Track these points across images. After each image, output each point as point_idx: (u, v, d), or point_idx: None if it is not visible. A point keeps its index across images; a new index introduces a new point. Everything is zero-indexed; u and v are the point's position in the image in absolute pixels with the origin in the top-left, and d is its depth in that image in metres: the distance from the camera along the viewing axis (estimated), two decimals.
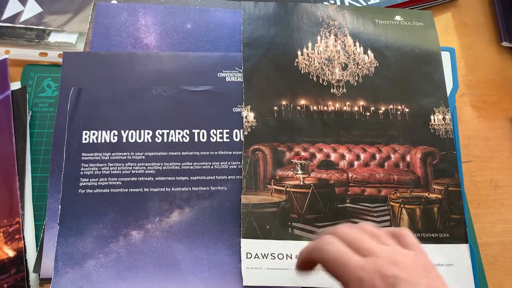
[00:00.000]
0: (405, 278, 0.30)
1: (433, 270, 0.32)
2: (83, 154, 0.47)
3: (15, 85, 0.53)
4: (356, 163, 0.50)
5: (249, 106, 0.51)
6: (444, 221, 0.47)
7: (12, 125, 0.49)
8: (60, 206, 0.45)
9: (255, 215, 0.46)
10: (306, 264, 0.36)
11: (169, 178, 0.47)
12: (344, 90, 0.52)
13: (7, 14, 0.56)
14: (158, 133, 0.49)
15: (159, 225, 0.46)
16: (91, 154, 0.47)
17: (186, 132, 0.49)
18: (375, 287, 0.30)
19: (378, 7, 0.59)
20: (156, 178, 0.47)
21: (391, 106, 0.52)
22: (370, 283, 0.30)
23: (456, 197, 0.48)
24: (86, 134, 0.48)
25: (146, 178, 0.47)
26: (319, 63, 0.53)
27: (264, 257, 0.44)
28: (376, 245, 0.33)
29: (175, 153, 0.48)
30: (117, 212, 0.46)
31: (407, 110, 0.52)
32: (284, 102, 0.51)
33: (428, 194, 0.48)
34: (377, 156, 0.50)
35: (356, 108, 0.52)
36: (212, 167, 0.48)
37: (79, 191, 0.46)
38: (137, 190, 0.47)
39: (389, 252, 0.32)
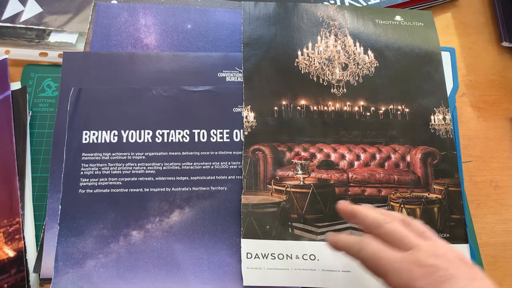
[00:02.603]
0: (445, 267, 0.32)
1: (473, 265, 0.33)
2: (83, 154, 0.47)
3: (15, 85, 0.53)
4: (356, 163, 0.50)
5: (249, 106, 0.51)
6: (444, 221, 0.47)
7: (12, 125, 0.49)
8: (60, 206, 0.45)
9: (255, 215, 0.46)
10: (339, 249, 0.38)
11: (169, 178, 0.47)
12: (344, 90, 0.52)
13: (7, 14, 0.56)
14: (158, 133, 0.49)
15: (159, 225, 0.46)
16: (91, 154, 0.47)
17: (186, 132, 0.49)
18: (413, 275, 0.31)
19: (378, 7, 0.59)
20: (156, 178, 0.47)
21: (391, 106, 0.52)
22: (408, 272, 0.32)
23: (456, 197, 0.48)
24: (86, 134, 0.48)
25: (146, 178, 0.47)
26: (319, 63, 0.53)
27: (264, 257, 0.44)
28: (417, 239, 0.34)
29: (175, 153, 0.48)
30: (117, 212, 0.46)
31: (407, 110, 0.52)
32: (284, 102, 0.51)
33: (428, 194, 0.48)
34: (377, 156, 0.50)
35: (356, 108, 0.52)
36: (212, 167, 0.48)
37: (79, 191, 0.46)
38: (137, 190, 0.47)
39: (431, 246, 0.34)
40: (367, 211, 0.38)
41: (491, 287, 0.32)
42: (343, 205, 0.39)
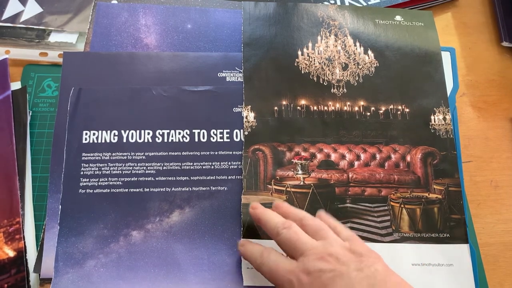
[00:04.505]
0: (330, 268, 0.33)
1: (367, 253, 0.35)
2: (83, 154, 0.47)
3: (15, 85, 0.53)
4: (356, 163, 0.50)
5: (249, 106, 0.51)
6: (444, 221, 0.47)
7: (12, 125, 0.49)
8: (60, 206, 0.45)
9: None
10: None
11: (170, 178, 0.47)
12: (345, 90, 0.52)
13: (7, 14, 0.56)
14: (159, 133, 0.49)
15: (159, 225, 0.46)
16: (92, 154, 0.47)
17: (186, 132, 0.49)
18: (301, 282, 0.34)
19: (378, 7, 0.59)
20: (157, 178, 0.47)
21: (391, 106, 0.52)
22: (298, 282, 0.34)
23: (456, 197, 0.48)
24: (86, 134, 0.48)
25: (146, 178, 0.47)
26: (319, 63, 0.53)
27: None
28: (309, 243, 0.36)
29: (176, 153, 0.48)
30: (117, 212, 0.46)
31: (407, 110, 0.52)
32: (284, 102, 0.51)
33: (428, 194, 0.48)
34: (377, 156, 0.50)
35: (356, 108, 0.52)
36: (212, 167, 0.48)
37: (80, 191, 0.46)
38: (137, 190, 0.47)
39: (320, 247, 0.35)
40: (269, 216, 0.40)
41: (381, 269, 0.33)
42: (252, 208, 0.42)
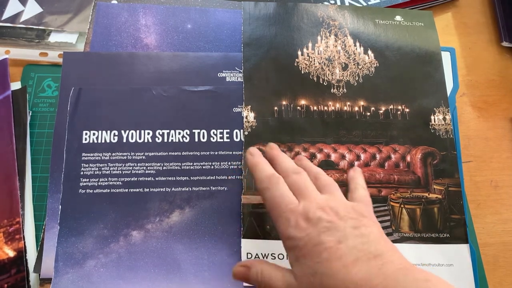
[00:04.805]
0: (328, 219, 0.34)
1: (369, 217, 0.36)
2: (83, 154, 0.47)
3: (15, 85, 0.53)
4: (356, 163, 0.50)
5: (249, 106, 0.51)
6: (444, 221, 0.47)
7: (12, 125, 0.49)
8: (60, 206, 0.45)
9: (255, 215, 0.46)
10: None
11: (169, 178, 0.47)
12: (344, 90, 0.52)
13: (7, 14, 0.56)
14: (158, 133, 0.49)
15: (159, 225, 0.46)
16: (91, 154, 0.47)
17: (186, 132, 0.49)
18: (298, 225, 0.34)
19: (378, 7, 0.59)
20: (157, 178, 0.47)
21: (391, 106, 0.52)
22: (295, 222, 0.34)
23: (456, 197, 0.48)
24: (86, 134, 0.48)
25: (146, 178, 0.47)
26: (319, 63, 0.53)
27: (264, 257, 0.44)
28: (315, 191, 0.37)
29: (175, 153, 0.48)
30: (117, 212, 0.46)
31: (407, 110, 0.52)
32: (284, 102, 0.51)
33: (428, 194, 0.48)
34: (377, 156, 0.50)
35: (356, 108, 0.52)
36: (212, 167, 0.48)
37: (80, 191, 0.46)
38: (137, 190, 0.47)
39: (324, 199, 0.36)
40: (283, 159, 0.41)
41: (376, 232, 0.34)
42: (270, 148, 0.43)
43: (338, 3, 0.60)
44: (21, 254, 0.44)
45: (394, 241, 0.46)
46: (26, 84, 0.53)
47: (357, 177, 0.42)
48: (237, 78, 0.52)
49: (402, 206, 0.48)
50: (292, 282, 0.34)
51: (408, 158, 0.50)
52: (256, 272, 0.36)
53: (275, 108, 0.51)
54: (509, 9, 0.61)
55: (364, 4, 0.60)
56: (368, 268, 0.31)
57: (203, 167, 0.48)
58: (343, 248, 0.32)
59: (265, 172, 0.39)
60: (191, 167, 0.48)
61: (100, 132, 0.48)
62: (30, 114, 0.51)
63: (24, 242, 0.44)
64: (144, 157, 0.48)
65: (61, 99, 0.49)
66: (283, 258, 0.44)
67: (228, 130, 0.50)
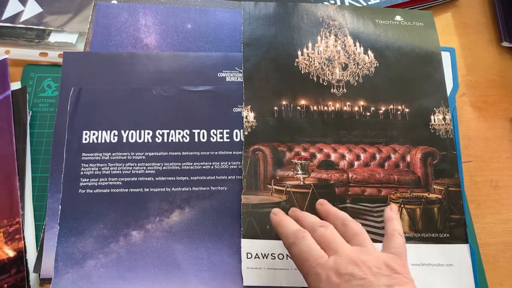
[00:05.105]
0: (361, 276, 0.33)
1: (403, 273, 0.34)
2: (83, 154, 0.47)
3: (15, 85, 0.53)
4: (356, 163, 0.50)
5: (249, 106, 0.51)
6: (444, 221, 0.47)
7: (12, 125, 0.49)
8: (60, 206, 0.45)
9: (255, 215, 0.46)
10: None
11: (169, 178, 0.47)
12: (344, 90, 0.52)
13: (7, 14, 0.56)
14: (158, 133, 0.49)
15: (159, 225, 0.46)
16: (91, 154, 0.47)
17: (186, 132, 0.49)
18: (330, 280, 0.33)
19: (378, 7, 0.59)
20: (156, 178, 0.47)
21: (391, 106, 0.52)
22: (326, 277, 0.33)
23: (456, 197, 0.48)
24: (86, 134, 0.48)
25: (146, 178, 0.47)
26: (319, 63, 0.53)
27: (264, 257, 0.44)
28: (345, 245, 0.36)
29: (175, 153, 0.48)
30: (117, 212, 0.46)
31: (407, 110, 0.52)
32: (284, 102, 0.51)
33: (428, 194, 0.48)
34: (377, 156, 0.50)
35: (356, 108, 0.52)
36: (212, 167, 0.48)
37: (79, 191, 0.46)
38: (137, 190, 0.47)
39: (355, 252, 0.35)
40: (308, 215, 0.40)
41: None
42: (291, 211, 0.42)
43: (338, 3, 0.60)
44: (21, 254, 0.44)
45: None
46: (26, 84, 0.53)
47: (394, 218, 0.41)
48: (237, 78, 0.52)
49: (402, 206, 0.48)
50: None
51: (408, 158, 0.50)
52: None
53: (275, 108, 0.51)
54: (509, 9, 0.61)
55: (364, 4, 0.60)
56: None
57: (203, 167, 0.48)
58: None
59: (291, 227, 0.38)
60: (191, 167, 0.48)
61: (100, 132, 0.48)
62: (30, 114, 0.51)
63: (24, 242, 0.44)
64: (144, 157, 0.48)
65: (61, 99, 0.49)
66: (283, 258, 0.44)
67: (228, 130, 0.50)
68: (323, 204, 0.43)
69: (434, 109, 0.52)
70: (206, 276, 0.44)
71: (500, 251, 0.49)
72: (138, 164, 0.48)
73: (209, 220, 0.46)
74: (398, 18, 0.57)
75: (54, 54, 0.55)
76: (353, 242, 0.37)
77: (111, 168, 0.47)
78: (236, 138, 0.49)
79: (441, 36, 0.56)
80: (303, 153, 0.49)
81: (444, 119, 0.52)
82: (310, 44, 0.54)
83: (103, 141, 0.48)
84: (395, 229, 0.39)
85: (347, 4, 0.60)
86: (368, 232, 0.46)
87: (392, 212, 0.41)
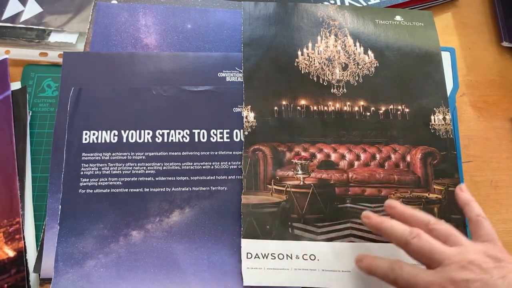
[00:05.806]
0: (476, 278, 0.32)
1: (504, 257, 0.34)
2: (83, 154, 0.47)
3: (15, 85, 0.53)
4: (356, 163, 0.50)
5: (249, 106, 0.51)
6: (444, 221, 0.47)
7: (12, 125, 0.49)
8: (60, 206, 0.45)
9: (255, 215, 0.46)
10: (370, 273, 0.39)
11: (169, 178, 0.47)
12: (344, 90, 0.52)
13: (7, 14, 0.56)
14: (158, 133, 0.49)
15: (159, 225, 0.46)
16: (91, 154, 0.47)
17: (186, 132, 0.49)
18: None
19: (378, 7, 0.59)
20: (156, 178, 0.47)
21: (391, 106, 0.52)
22: None
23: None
24: (86, 134, 0.48)
25: (146, 178, 0.47)
26: (319, 63, 0.53)
27: (264, 257, 0.44)
28: (445, 251, 0.35)
29: (175, 153, 0.48)
30: (117, 212, 0.46)
31: (407, 110, 0.52)
32: (284, 102, 0.51)
33: (428, 194, 0.48)
34: (377, 156, 0.50)
35: (356, 108, 0.52)
36: (212, 167, 0.48)
37: (79, 191, 0.46)
38: (137, 190, 0.47)
39: (458, 255, 0.34)
40: (390, 224, 0.39)
41: None
42: (369, 218, 0.41)
43: (338, 3, 0.60)
44: (21, 254, 0.44)
45: None
46: (26, 84, 0.53)
47: (471, 201, 0.40)
48: (237, 78, 0.52)
49: None
50: None
51: (408, 158, 0.50)
52: None
53: (275, 108, 0.51)
54: (509, 9, 0.61)
55: (364, 4, 0.60)
56: None
57: (203, 167, 0.48)
58: None
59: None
60: (191, 167, 0.48)
61: (100, 132, 0.48)
62: (30, 114, 0.51)
63: (24, 242, 0.44)
64: (144, 157, 0.48)
65: (61, 99, 0.49)
66: (283, 258, 0.44)
67: (228, 130, 0.50)
68: (394, 207, 0.41)
69: (434, 109, 0.52)
70: (206, 276, 0.44)
71: None
72: (138, 164, 0.48)
73: (209, 220, 0.46)
74: (398, 18, 0.57)
75: (54, 54, 0.55)
76: (449, 243, 0.36)
77: (111, 168, 0.47)
78: (236, 138, 0.49)
79: (441, 36, 0.56)
80: (303, 153, 0.49)
81: (444, 119, 0.52)
82: (310, 44, 0.54)
83: (103, 141, 0.48)
84: (478, 214, 0.39)
85: (347, 4, 0.60)
86: (368, 232, 0.46)
87: (466, 194, 0.40)
